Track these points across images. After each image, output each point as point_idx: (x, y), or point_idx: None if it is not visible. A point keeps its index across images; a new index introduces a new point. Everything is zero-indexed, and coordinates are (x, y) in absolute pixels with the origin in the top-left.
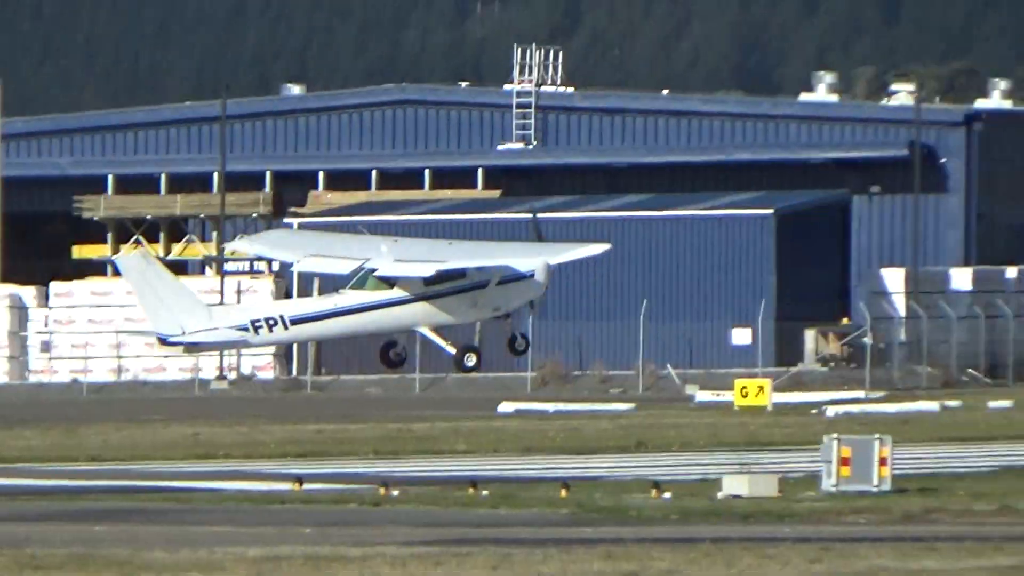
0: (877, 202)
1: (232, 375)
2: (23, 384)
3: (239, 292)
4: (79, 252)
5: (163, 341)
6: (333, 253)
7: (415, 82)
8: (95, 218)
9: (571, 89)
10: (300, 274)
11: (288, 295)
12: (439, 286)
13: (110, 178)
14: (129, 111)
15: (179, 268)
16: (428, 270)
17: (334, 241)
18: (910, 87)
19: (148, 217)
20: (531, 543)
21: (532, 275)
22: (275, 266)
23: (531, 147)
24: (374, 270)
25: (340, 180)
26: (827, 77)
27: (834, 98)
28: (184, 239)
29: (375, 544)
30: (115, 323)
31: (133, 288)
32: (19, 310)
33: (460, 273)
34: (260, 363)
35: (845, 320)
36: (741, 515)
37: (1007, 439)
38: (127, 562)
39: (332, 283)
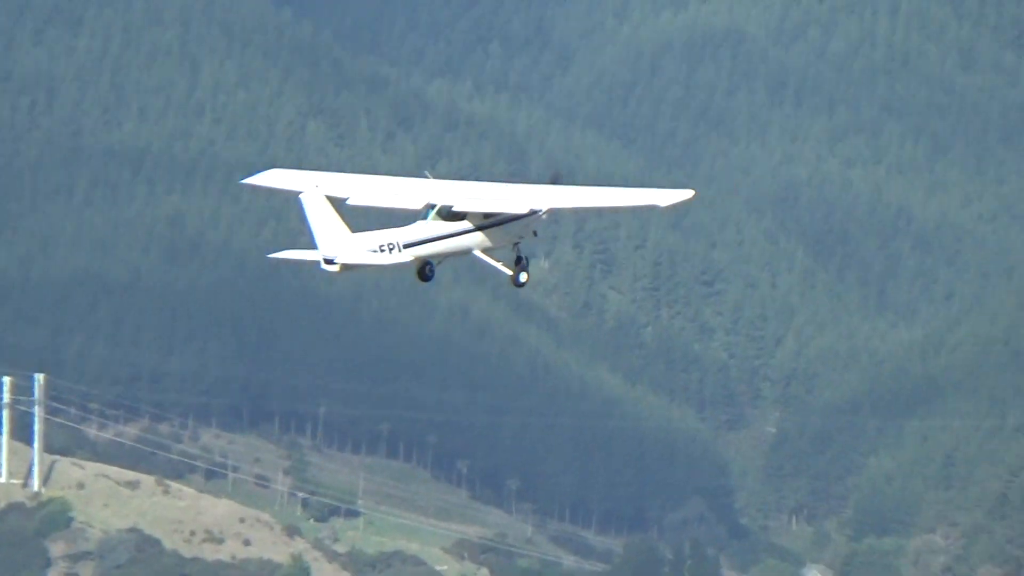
0: None
1: None
2: None
3: None
4: None
5: (327, 261)
6: (386, 193)
7: None
8: None
9: None
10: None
11: None
12: (492, 218)
13: None
14: None
15: None
16: (523, 207)
17: (384, 183)
18: None
19: None
20: None
21: (540, 212)
22: None
23: None
24: (448, 207)
25: None
26: None
27: None
28: None
29: None
30: None
31: (311, 219)
32: None
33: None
34: None
35: None
36: None
37: None
38: None
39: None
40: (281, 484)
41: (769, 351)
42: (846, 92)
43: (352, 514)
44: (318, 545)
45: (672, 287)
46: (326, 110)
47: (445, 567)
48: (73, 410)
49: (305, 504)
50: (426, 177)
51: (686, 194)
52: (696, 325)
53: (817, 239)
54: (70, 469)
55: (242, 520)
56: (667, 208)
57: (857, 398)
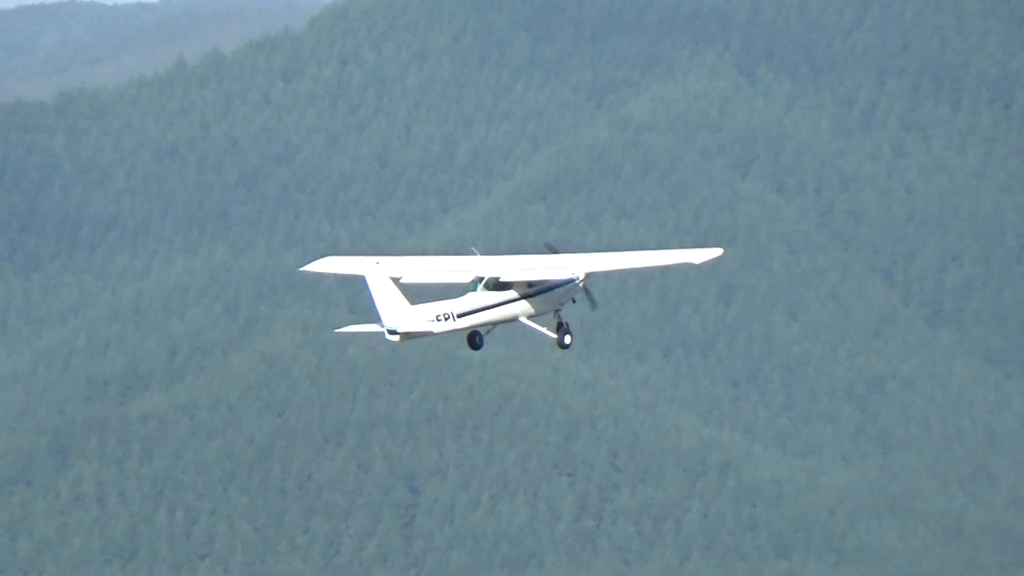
0: None
1: None
2: None
3: None
4: None
5: (390, 332)
6: (436, 270)
7: None
8: None
9: None
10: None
11: None
12: (535, 287)
13: None
14: None
15: None
16: (562, 273)
17: (435, 262)
18: None
19: None
20: None
21: (578, 280)
22: None
23: None
24: (495, 278)
25: None
26: None
27: None
28: None
29: None
30: None
31: (375, 294)
32: None
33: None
34: None
35: None
36: None
37: None
38: None
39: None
40: None
41: None
42: None
43: None
44: None
45: None
46: None
47: None
48: None
49: None
50: (473, 254)
51: (716, 252)
52: None
53: None
54: None
55: None
56: (700, 265)
57: None
